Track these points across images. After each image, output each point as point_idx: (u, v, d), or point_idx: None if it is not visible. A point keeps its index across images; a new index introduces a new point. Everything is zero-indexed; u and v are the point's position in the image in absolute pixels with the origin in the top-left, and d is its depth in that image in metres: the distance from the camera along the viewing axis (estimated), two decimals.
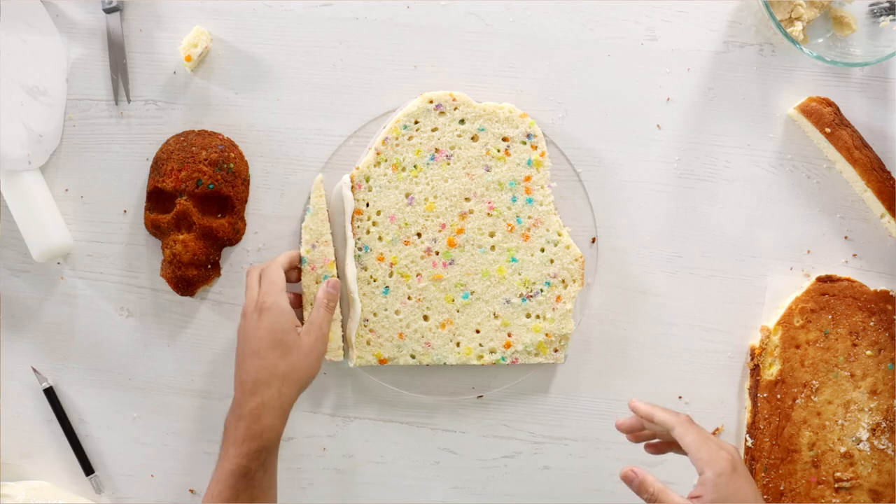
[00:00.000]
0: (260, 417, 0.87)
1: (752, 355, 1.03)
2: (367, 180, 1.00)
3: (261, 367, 0.88)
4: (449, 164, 1.00)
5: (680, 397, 1.04)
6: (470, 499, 1.04)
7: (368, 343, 1.00)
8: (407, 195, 1.00)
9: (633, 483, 0.84)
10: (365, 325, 1.00)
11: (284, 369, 0.89)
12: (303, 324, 0.94)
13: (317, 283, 0.99)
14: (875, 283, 1.03)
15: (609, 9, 1.04)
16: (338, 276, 1.01)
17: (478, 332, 1.01)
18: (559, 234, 1.01)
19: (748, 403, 1.03)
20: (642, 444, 0.93)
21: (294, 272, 0.98)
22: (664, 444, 0.91)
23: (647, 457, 0.94)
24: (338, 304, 1.00)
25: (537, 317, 1.01)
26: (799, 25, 1.00)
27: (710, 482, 0.81)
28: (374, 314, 1.00)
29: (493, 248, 1.01)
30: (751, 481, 0.83)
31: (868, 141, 1.02)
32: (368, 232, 1.00)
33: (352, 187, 0.99)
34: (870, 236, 1.05)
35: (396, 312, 1.00)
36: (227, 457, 0.86)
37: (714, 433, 1.04)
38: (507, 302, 1.01)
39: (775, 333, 1.02)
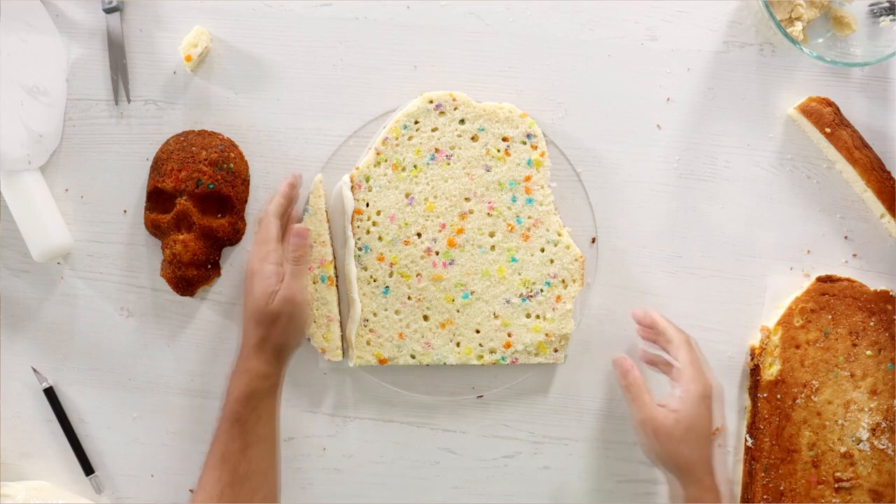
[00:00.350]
0: (247, 370, 0.91)
1: (752, 355, 1.03)
2: (367, 180, 1.00)
3: (247, 335, 0.93)
4: (449, 164, 1.00)
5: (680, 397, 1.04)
6: (470, 499, 1.04)
7: (368, 343, 1.00)
8: (407, 195, 1.00)
9: (620, 368, 0.93)
10: (365, 325, 1.00)
11: (262, 335, 0.92)
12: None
13: (314, 283, 0.99)
14: (875, 283, 1.03)
15: (609, 9, 1.04)
16: (337, 276, 1.01)
17: (478, 332, 1.01)
18: (559, 234, 1.01)
19: (748, 403, 1.03)
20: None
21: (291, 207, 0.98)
22: (659, 359, 0.97)
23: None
24: (336, 302, 1.00)
25: (537, 317, 1.01)
26: (799, 25, 1.00)
27: (678, 397, 0.90)
28: (374, 314, 1.00)
29: (493, 248, 1.01)
30: (711, 415, 0.91)
31: (868, 141, 1.02)
32: (368, 232, 1.00)
33: (352, 187, 0.99)
34: (870, 236, 1.05)
35: (396, 312, 1.00)
36: (223, 406, 0.92)
37: (714, 433, 1.04)
38: (507, 302, 1.01)
39: (775, 333, 1.02)
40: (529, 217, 1.01)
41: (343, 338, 1.01)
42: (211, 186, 0.99)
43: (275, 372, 0.92)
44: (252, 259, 0.94)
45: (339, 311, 1.01)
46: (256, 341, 0.91)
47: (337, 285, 1.01)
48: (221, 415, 0.91)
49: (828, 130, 1.01)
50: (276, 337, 0.91)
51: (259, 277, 0.92)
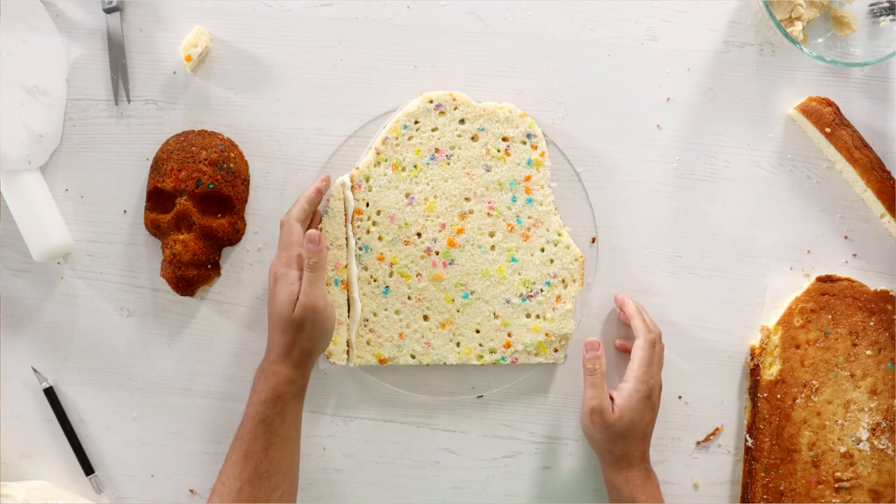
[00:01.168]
0: (275, 373, 0.92)
1: (752, 355, 1.03)
2: (367, 180, 1.00)
3: (273, 339, 0.94)
4: (449, 163, 1.00)
5: (680, 397, 1.04)
6: (470, 499, 1.04)
7: (368, 343, 1.00)
8: (407, 195, 1.00)
9: (589, 352, 0.97)
10: (365, 325, 1.00)
11: (289, 342, 0.92)
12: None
13: (327, 285, 0.99)
14: (875, 283, 1.03)
15: (609, 9, 1.04)
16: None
17: (478, 332, 1.01)
18: (559, 234, 1.01)
19: (748, 403, 1.03)
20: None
21: (318, 208, 0.99)
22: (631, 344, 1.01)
23: None
24: (346, 305, 1.00)
25: (537, 317, 1.01)
26: (799, 25, 1.00)
27: (625, 391, 0.95)
28: (374, 314, 1.00)
29: (493, 248, 1.01)
30: (653, 415, 0.97)
31: (868, 141, 1.02)
32: (368, 232, 1.00)
33: (352, 187, 0.99)
34: (870, 236, 1.05)
35: (396, 312, 1.00)
36: (249, 404, 0.93)
37: (713, 433, 1.04)
38: (507, 302, 1.01)
39: (775, 333, 1.02)
40: (529, 217, 1.01)
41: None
42: (211, 186, 0.99)
43: (301, 376, 0.93)
44: (275, 263, 0.94)
45: (349, 315, 1.01)
46: (283, 347, 0.92)
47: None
48: (246, 413, 0.92)
49: (828, 130, 1.01)
50: (302, 343, 0.92)
51: (283, 283, 0.92)
